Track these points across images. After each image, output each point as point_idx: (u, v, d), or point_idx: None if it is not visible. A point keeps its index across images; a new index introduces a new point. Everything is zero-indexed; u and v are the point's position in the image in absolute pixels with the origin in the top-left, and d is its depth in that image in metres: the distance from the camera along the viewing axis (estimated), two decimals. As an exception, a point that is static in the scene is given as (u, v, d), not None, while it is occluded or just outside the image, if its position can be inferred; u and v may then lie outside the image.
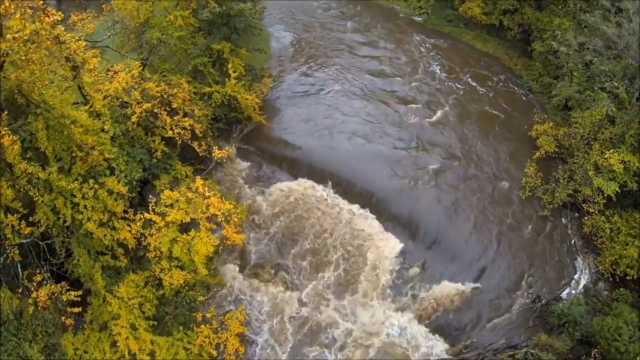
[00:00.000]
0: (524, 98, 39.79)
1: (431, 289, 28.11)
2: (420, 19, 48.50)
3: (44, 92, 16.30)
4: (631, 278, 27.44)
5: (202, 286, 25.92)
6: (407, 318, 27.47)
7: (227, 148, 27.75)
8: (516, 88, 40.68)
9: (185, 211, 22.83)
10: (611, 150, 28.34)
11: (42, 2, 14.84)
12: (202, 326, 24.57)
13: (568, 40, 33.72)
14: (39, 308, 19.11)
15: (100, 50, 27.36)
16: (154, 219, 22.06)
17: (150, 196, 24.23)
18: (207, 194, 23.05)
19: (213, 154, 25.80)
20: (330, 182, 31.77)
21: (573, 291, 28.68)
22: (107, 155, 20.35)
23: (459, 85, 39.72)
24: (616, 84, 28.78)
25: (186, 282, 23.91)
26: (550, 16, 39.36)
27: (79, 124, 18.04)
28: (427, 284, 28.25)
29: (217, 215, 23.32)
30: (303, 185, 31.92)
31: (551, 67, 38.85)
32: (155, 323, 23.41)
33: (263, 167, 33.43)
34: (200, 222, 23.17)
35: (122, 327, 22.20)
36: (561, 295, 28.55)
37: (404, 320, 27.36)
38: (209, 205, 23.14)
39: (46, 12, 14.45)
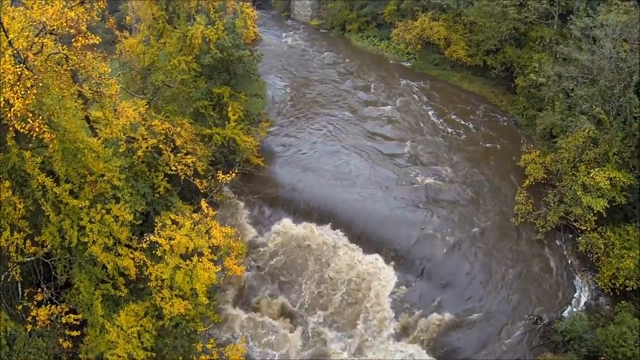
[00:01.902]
0: (512, 131, 41.54)
1: (432, 317, 28.24)
2: (408, 64, 51.30)
3: (61, 115, 17.54)
4: (631, 289, 27.76)
5: (201, 319, 26.07)
6: (413, 348, 27.53)
7: (230, 173, 28.67)
8: (504, 123, 42.64)
9: (190, 237, 23.43)
10: (597, 169, 29.44)
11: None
12: (202, 357, 24.54)
13: (546, 72, 35.80)
14: (35, 332, 19.31)
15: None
16: (159, 242, 22.65)
17: (156, 221, 24.78)
18: (211, 214, 23.88)
19: (217, 178, 26.72)
20: (329, 223, 32.60)
21: (574, 309, 28.79)
22: (115, 182, 21.30)
23: (450, 129, 41.24)
24: (594, 107, 30.36)
25: (186, 314, 24.02)
26: (530, 52, 41.88)
27: (91, 150, 19.24)
28: (428, 314, 28.43)
29: (219, 243, 23.90)
30: (301, 225, 32.79)
31: (534, 100, 40.80)
32: (154, 355, 23.31)
33: (262, 208, 34.39)
34: (203, 250, 23.67)
35: (120, 357, 22.01)
36: (563, 314, 28.64)
37: (409, 350, 27.45)
38: (211, 235, 23.75)
39: (86, 35, 15.85)
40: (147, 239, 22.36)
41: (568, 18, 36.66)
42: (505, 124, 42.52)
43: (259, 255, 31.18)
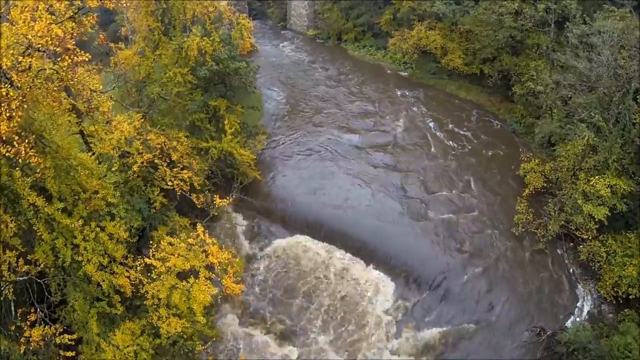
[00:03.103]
0: (510, 140, 41.37)
1: (433, 331, 27.84)
2: (406, 73, 51.23)
3: (53, 132, 17.21)
4: (634, 297, 27.44)
5: (199, 337, 25.59)
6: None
7: (227, 198, 28.17)
8: (502, 131, 42.50)
9: (186, 257, 23.00)
10: (597, 177, 29.20)
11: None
12: (201, 376, 24.02)
13: (545, 80, 35.67)
14: (30, 351, 18.91)
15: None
16: (154, 264, 22.11)
17: (151, 242, 24.39)
18: (208, 240, 23.16)
19: (214, 202, 26.04)
20: (328, 239, 32.10)
21: (577, 319, 28.45)
22: (109, 200, 20.95)
23: (450, 141, 40.78)
24: (593, 114, 30.18)
25: (183, 332, 23.55)
26: (527, 60, 41.74)
27: (84, 167, 18.89)
28: (428, 327, 28.00)
29: (216, 264, 23.40)
30: (299, 240, 32.33)
31: (532, 108, 40.65)
32: (151, 375, 22.79)
33: (260, 222, 33.96)
34: (200, 271, 23.04)
35: (116, 376, 21.49)
36: (566, 324, 28.26)
37: (410, 365, 26.86)
38: (208, 254, 23.34)
39: (75, 52, 15.52)
40: (142, 262, 21.79)
41: (565, 25, 36.73)
42: (503, 132, 42.32)
43: (256, 270, 30.74)
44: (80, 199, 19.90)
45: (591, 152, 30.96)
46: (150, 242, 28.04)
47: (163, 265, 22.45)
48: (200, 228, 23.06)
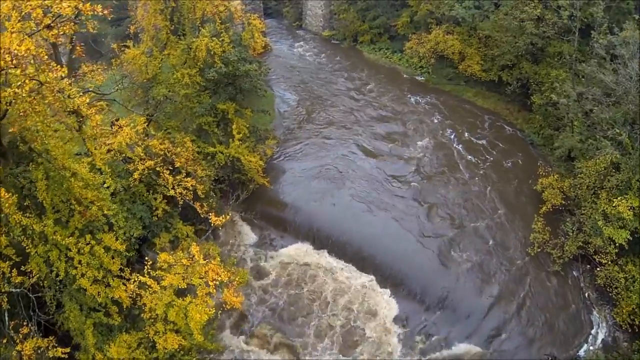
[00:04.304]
0: (527, 152, 39.87)
1: (443, 351, 26.67)
2: (422, 78, 49.87)
3: (46, 141, 16.42)
4: (651, 326, 26.05)
5: (198, 351, 24.80)
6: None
7: (225, 214, 26.10)
8: (519, 142, 40.94)
9: (183, 276, 21.88)
10: (619, 198, 27.73)
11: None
12: (200, 391, 23.24)
13: (567, 92, 34.14)
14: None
15: (107, 103, 28.11)
16: (148, 283, 21.19)
17: (146, 258, 23.60)
18: (202, 262, 21.82)
19: (210, 220, 24.94)
20: (335, 248, 31.17)
21: (591, 347, 27.12)
22: (106, 212, 20.13)
23: (471, 156, 39.35)
24: (618, 131, 28.68)
25: (181, 347, 22.80)
26: (547, 68, 40.19)
27: (79, 178, 18.07)
28: (438, 347, 26.83)
29: (216, 280, 22.44)
30: (305, 250, 31.38)
31: (551, 119, 39.15)
32: (146, 389, 22.08)
33: (266, 229, 32.93)
34: (197, 289, 22.08)
35: (112, 390, 20.92)
36: (579, 352, 26.99)
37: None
38: (207, 271, 22.35)
39: (50, 67, 14.74)
40: (136, 279, 20.93)
41: (590, 34, 35.12)
42: (521, 143, 40.82)
43: (261, 281, 29.74)
44: (75, 210, 19.08)
45: (614, 171, 29.53)
46: (154, 247, 27.82)
47: (158, 284, 21.35)
48: (195, 248, 21.71)
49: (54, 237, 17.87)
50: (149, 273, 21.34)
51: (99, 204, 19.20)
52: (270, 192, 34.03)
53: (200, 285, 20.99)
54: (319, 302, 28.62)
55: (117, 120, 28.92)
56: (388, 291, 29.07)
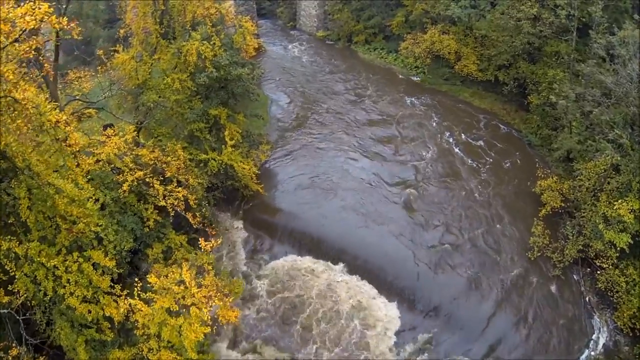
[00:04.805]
0: (525, 153, 39.39)
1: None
2: (418, 78, 49.25)
3: (27, 157, 15.73)
4: (652, 330, 25.59)
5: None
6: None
7: (215, 240, 24.08)
8: (517, 143, 40.44)
9: (175, 298, 20.87)
10: (620, 201, 27.20)
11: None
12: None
13: (565, 92, 33.60)
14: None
15: (96, 110, 27.44)
16: (138, 306, 20.27)
17: (136, 279, 22.65)
18: (194, 289, 20.68)
19: (199, 244, 23.95)
20: (333, 259, 30.38)
21: (592, 352, 26.64)
22: (93, 229, 19.41)
23: (469, 159, 38.78)
24: (618, 132, 28.18)
25: (175, 360, 22.22)
26: (545, 68, 39.69)
27: (64, 194, 17.39)
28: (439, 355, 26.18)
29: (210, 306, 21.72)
30: (302, 258, 30.63)
31: (549, 119, 38.70)
32: (141, 405, 21.47)
33: (262, 238, 32.21)
34: (191, 309, 20.93)
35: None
36: (580, 358, 26.52)
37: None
38: (200, 298, 21.62)
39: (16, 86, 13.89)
40: (127, 303, 20.17)
41: (587, 33, 34.61)
42: (519, 144, 40.31)
43: (257, 291, 29.00)
44: (61, 226, 18.41)
45: (614, 173, 29.04)
46: (147, 258, 27.06)
47: (149, 307, 20.57)
48: (186, 275, 20.69)
49: (38, 259, 17.14)
50: (139, 295, 20.53)
51: (85, 220, 18.46)
52: (265, 198, 33.30)
53: (195, 303, 20.18)
54: (315, 313, 27.92)
55: (110, 126, 28.26)
56: (389, 302, 28.46)
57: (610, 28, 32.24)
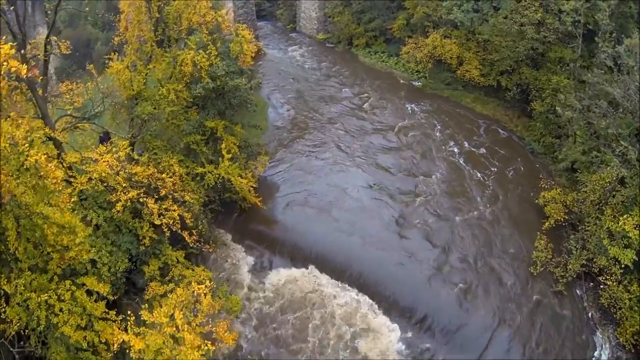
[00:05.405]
0: (527, 160, 38.77)
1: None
2: (419, 83, 48.59)
3: (12, 189, 15.23)
4: (656, 348, 25.12)
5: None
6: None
7: (208, 283, 23.13)
8: (519, 150, 39.85)
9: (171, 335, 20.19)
10: (625, 216, 26.63)
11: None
12: None
13: (571, 102, 32.94)
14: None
15: (90, 124, 26.96)
16: (131, 342, 19.40)
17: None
18: (188, 336, 20.00)
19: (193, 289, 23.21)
20: (335, 275, 29.67)
21: (595, 369, 26.27)
22: (85, 257, 18.93)
23: (473, 169, 37.88)
24: (624, 144, 27.56)
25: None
26: (548, 74, 38.97)
27: (52, 223, 16.85)
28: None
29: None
30: (302, 273, 29.93)
31: (552, 127, 38.08)
32: None
33: (261, 252, 31.45)
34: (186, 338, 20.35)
35: None
36: (582, 377, 26.12)
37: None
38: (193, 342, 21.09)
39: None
40: (120, 339, 19.63)
41: (594, 39, 33.89)
42: (521, 152, 39.69)
43: (256, 308, 28.38)
44: (52, 253, 17.94)
45: (619, 186, 28.45)
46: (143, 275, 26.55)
47: (142, 340, 19.96)
48: (178, 318, 20.01)
49: (29, 294, 16.69)
50: (131, 329, 19.99)
51: (77, 249, 17.96)
52: (263, 211, 32.62)
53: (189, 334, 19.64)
54: (315, 329, 27.45)
55: (107, 135, 27.60)
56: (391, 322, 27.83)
57: (617, 34, 31.59)
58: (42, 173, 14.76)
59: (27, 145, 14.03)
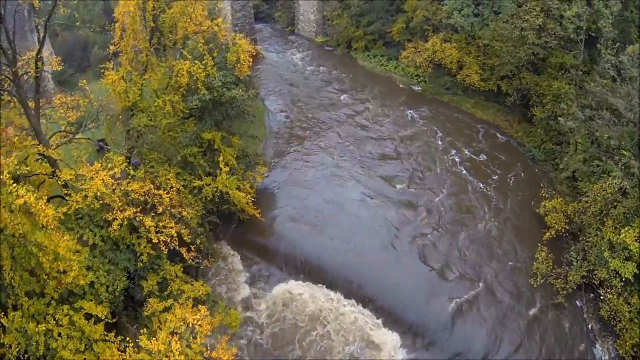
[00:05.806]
0: (527, 165, 38.52)
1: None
2: (419, 88, 48.18)
3: (3, 220, 15.05)
4: (655, 360, 24.98)
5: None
6: None
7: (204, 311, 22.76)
8: (518, 155, 39.63)
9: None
10: (626, 228, 26.39)
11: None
12: None
13: (573, 111, 32.61)
14: None
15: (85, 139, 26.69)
16: None
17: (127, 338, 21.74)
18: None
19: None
20: (335, 287, 29.56)
21: (594, 382, 26.14)
22: (81, 282, 18.76)
23: (473, 179, 37.51)
24: (627, 155, 27.29)
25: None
26: (549, 80, 38.69)
27: (48, 251, 16.64)
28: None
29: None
30: (303, 288, 29.73)
31: (553, 133, 37.86)
32: None
33: (260, 265, 31.32)
34: None
35: None
36: (582, 389, 26.01)
37: None
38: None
39: None
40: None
41: (596, 45, 33.53)
42: (522, 158, 39.41)
43: (255, 322, 28.26)
44: (48, 280, 17.77)
45: (620, 196, 28.19)
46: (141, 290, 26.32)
47: None
48: (175, 347, 19.91)
49: (25, 325, 16.53)
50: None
51: (73, 275, 17.79)
52: (262, 223, 32.35)
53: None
54: (317, 342, 27.30)
55: (103, 143, 27.15)
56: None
57: (619, 41, 31.23)
58: (32, 210, 14.50)
59: (14, 185, 13.73)
